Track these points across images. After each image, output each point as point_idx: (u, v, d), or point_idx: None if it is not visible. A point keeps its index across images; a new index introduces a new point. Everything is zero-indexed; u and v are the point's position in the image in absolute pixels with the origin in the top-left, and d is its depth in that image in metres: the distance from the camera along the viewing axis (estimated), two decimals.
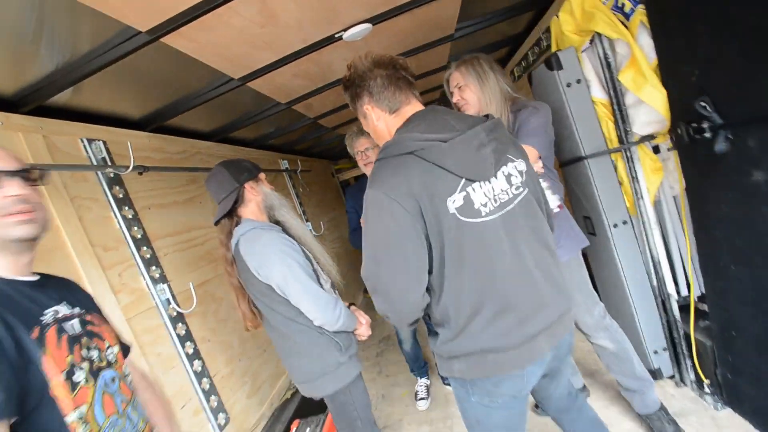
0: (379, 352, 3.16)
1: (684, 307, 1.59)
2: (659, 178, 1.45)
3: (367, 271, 0.95)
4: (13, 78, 1.21)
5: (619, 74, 1.37)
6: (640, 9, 1.29)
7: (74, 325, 0.80)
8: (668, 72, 1.26)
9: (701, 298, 1.53)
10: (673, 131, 1.30)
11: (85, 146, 1.48)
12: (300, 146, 3.86)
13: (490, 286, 0.90)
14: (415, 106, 1.01)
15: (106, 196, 1.51)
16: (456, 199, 0.87)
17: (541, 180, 1.29)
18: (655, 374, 1.65)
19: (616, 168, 1.55)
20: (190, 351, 1.64)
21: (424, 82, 3.02)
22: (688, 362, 1.57)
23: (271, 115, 2.47)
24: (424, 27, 1.93)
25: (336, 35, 1.67)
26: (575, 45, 1.46)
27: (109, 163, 1.55)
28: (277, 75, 1.88)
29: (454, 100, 1.49)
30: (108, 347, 0.86)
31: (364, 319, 1.44)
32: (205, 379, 1.68)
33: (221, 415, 1.71)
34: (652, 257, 1.55)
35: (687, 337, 1.55)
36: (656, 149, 1.49)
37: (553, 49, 1.65)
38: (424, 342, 2.48)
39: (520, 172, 0.96)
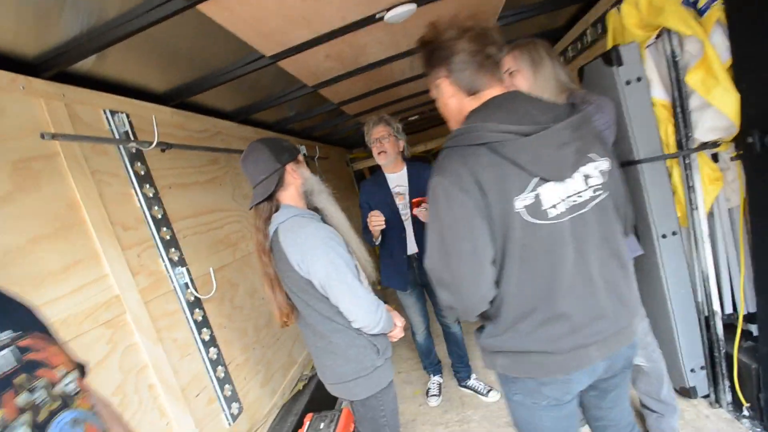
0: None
1: (727, 326, 1.51)
2: (717, 188, 1.36)
3: (433, 261, 0.88)
4: (35, 39, 1.13)
5: (687, 74, 1.27)
6: (717, 6, 1.18)
7: (7, 358, 0.55)
8: (746, 75, 1.15)
9: (747, 318, 1.45)
10: (742, 140, 1.20)
11: (107, 118, 1.40)
12: (318, 132, 3.77)
13: (546, 291, 0.84)
14: (495, 90, 0.89)
15: (128, 172, 1.43)
16: (525, 198, 0.80)
17: None
18: (690, 393, 1.58)
19: (670, 175, 1.46)
20: (207, 338, 1.59)
21: None
22: (727, 383, 1.49)
23: (295, 98, 2.38)
24: (467, 13, 1.81)
25: (377, 15, 1.57)
26: (638, 40, 1.35)
27: (132, 138, 1.47)
28: (310, 55, 1.79)
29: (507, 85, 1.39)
30: (63, 375, 0.61)
31: (399, 321, 1.36)
32: (220, 367, 1.62)
33: (234, 405, 1.66)
34: (700, 272, 1.46)
35: (728, 357, 1.47)
36: (715, 158, 1.39)
37: (610, 43, 1.54)
38: (438, 340, 2.42)
39: (602, 173, 0.87)
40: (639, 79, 1.36)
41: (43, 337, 0.64)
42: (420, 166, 2.10)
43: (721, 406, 1.54)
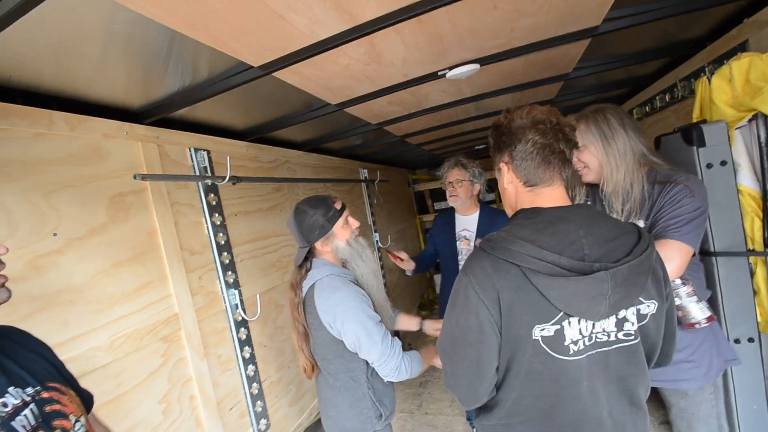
0: (422, 382, 3.07)
1: None
2: None
3: (443, 350, 0.94)
4: (140, 95, 1.36)
5: None
6: None
7: (28, 417, 0.60)
8: None
9: None
10: None
11: (191, 155, 1.62)
12: (382, 156, 3.89)
13: (549, 418, 0.83)
14: (555, 189, 0.87)
15: (202, 202, 1.64)
16: (546, 329, 0.78)
17: (683, 286, 1.10)
18: None
19: (753, 273, 1.26)
20: (247, 355, 1.74)
21: None
22: None
23: (360, 133, 2.50)
24: (538, 66, 1.76)
25: (439, 73, 1.60)
26: (727, 120, 1.20)
27: (209, 173, 1.68)
28: (373, 103, 1.88)
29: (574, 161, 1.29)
30: (75, 422, 0.68)
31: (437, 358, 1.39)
32: (255, 384, 1.76)
33: (263, 421, 1.78)
34: None
35: None
36: None
37: (696, 115, 1.38)
38: None
39: (643, 316, 0.81)
40: (724, 164, 1.20)
41: (59, 383, 0.71)
42: (493, 213, 2.12)
43: None
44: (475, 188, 2.07)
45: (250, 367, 1.74)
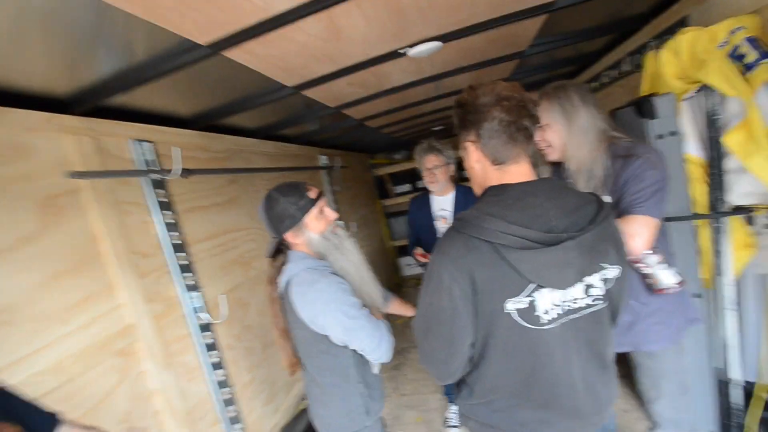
0: (396, 365, 3.10)
1: (748, 393, 1.41)
2: (747, 255, 1.27)
3: (417, 329, 0.94)
4: (67, 81, 1.18)
5: (725, 135, 1.18)
6: (766, 65, 1.09)
7: None
8: None
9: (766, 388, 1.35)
10: None
11: (133, 148, 1.45)
12: (340, 142, 3.78)
13: (524, 384, 0.87)
14: (522, 166, 0.87)
15: (149, 200, 1.48)
16: (518, 302, 0.80)
17: (653, 255, 1.14)
18: None
19: (696, 236, 1.37)
20: (215, 360, 1.63)
21: None
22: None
23: (318, 117, 2.40)
24: (496, 44, 1.76)
25: (400, 50, 1.54)
26: (675, 92, 1.27)
27: (156, 167, 1.52)
28: (332, 84, 1.79)
29: (537, 141, 1.26)
30: None
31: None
32: (225, 389, 1.67)
33: (237, 426, 1.70)
34: (722, 338, 1.37)
35: (741, 426, 1.39)
36: (749, 221, 1.29)
37: (644, 90, 1.45)
38: None
39: (606, 281, 0.84)
40: (672, 133, 1.28)
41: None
42: (468, 191, 2.16)
43: None
44: (450, 169, 2.12)
45: (219, 371, 1.64)
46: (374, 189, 5.15)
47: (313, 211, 1.23)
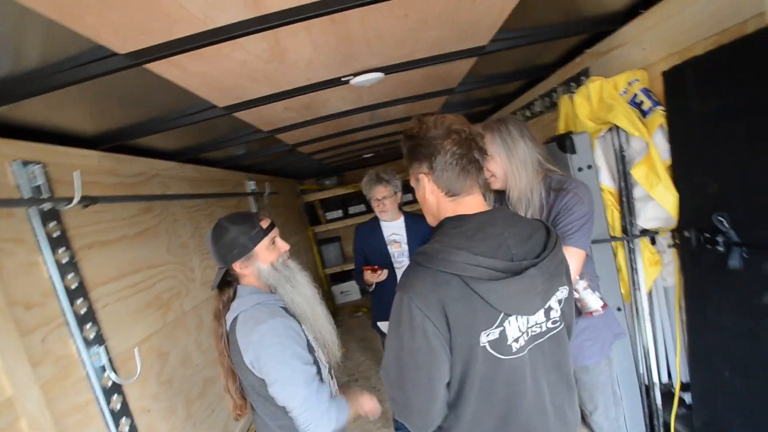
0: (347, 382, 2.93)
1: (664, 394, 1.60)
2: (656, 271, 1.47)
3: (388, 376, 0.86)
4: None
5: (632, 169, 1.38)
6: (660, 111, 1.30)
7: None
8: (683, 177, 1.28)
9: (683, 386, 1.56)
10: (680, 233, 1.31)
11: (16, 171, 1.17)
12: (269, 167, 3.60)
13: (501, 421, 0.85)
14: (475, 198, 0.89)
15: (37, 236, 1.20)
16: (490, 333, 0.80)
17: (581, 281, 1.23)
18: None
19: (615, 255, 1.55)
20: (126, 429, 1.34)
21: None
22: None
23: (247, 141, 2.24)
24: (431, 79, 1.86)
25: (343, 79, 1.53)
26: (589, 131, 1.45)
27: (46, 195, 1.24)
28: (268, 107, 1.69)
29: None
30: None
31: (367, 404, 1.31)
32: None
33: None
34: (641, 345, 1.55)
35: (666, 425, 1.56)
36: (652, 240, 1.50)
37: (561, 128, 1.64)
38: None
39: (560, 301, 0.89)
40: (590, 167, 1.45)
41: None
42: (414, 216, 2.31)
43: None
44: (398, 198, 2.23)
45: None
46: (305, 215, 4.97)
47: (265, 242, 1.21)
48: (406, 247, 2.21)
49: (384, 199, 2.13)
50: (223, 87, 1.34)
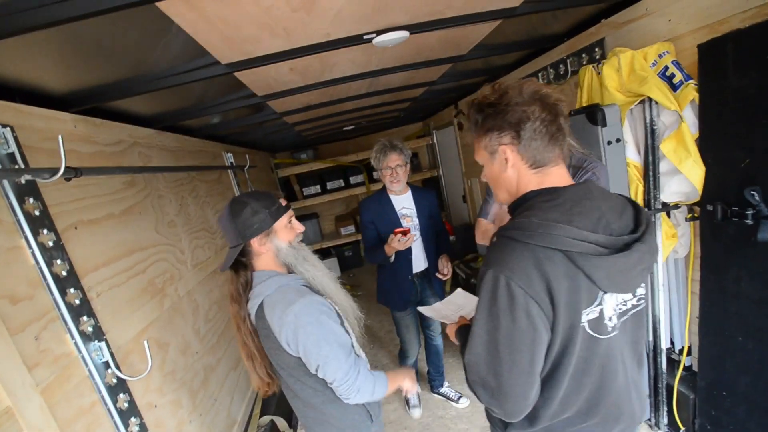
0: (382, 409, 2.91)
1: (669, 358, 1.72)
2: (672, 244, 1.52)
3: (478, 362, 0.80)
4: None
5: (661, 143, 1.38)
6: (692, 85, 1.30)
7: None
8: (713, 152, 1.30)
9: (681, 352, 1.67)
10: (703, 207, 1.36)
11: None
12: (244, 138, 3.32)
13: (591, 403, 0.83)
14: (561, 169, 0.83)
15: (14, 215, 0.98)
16: (590, 312, 0.76)
17: None
18: None
19: None
20: (136, 429, 1.19)
21: (406, 93, 2.83)
22: (665, 408, 1.70)
23: (235, 108, 2.02)
24: (447, 43, 1.74)
25: (365, 37, 1.38)
26: (619, 103, 1.43)
27: (21, 164, 1.02)
28: (273, 67, 1.51)
29: None
30: None
31: (407, 381, 1.31)
32: None
33: None
34: (653, 315, 1.63)
35: (668, 387, 1.68)
36: (668, 215, 1.55)
37: (584, 100, 1.61)
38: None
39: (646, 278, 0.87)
40: (618, 141, 1.44)
41: None
42: (419, 189, 2.21)
43: (659, 429, 1.76)
44: (408, 168, 2.10)
45: None
46: (280, 191, 4.72)
47: (284, 219, 1.17)
48: (417, 221, 2.12)
49: (397, 167, 2.01)
50: (236, 39, 1.15)
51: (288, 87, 1.89)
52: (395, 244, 1.88)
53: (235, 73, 1.46)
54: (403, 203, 2.13)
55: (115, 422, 1.13)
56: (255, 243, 1.12)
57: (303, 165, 4.74)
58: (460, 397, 2.42)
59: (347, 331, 1.18)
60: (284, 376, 1.15)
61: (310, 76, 1.80)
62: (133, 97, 1.44)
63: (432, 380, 2.51)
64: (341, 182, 4.81)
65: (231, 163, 2.95)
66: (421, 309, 1.40)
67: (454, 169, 4.60)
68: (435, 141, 5.01)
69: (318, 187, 4.79)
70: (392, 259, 2.04)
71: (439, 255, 2.13)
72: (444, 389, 2.48)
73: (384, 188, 2.14)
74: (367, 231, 2.12)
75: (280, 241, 1.15)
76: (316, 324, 1.06)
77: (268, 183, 4.30)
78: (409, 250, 2.08)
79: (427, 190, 2.23)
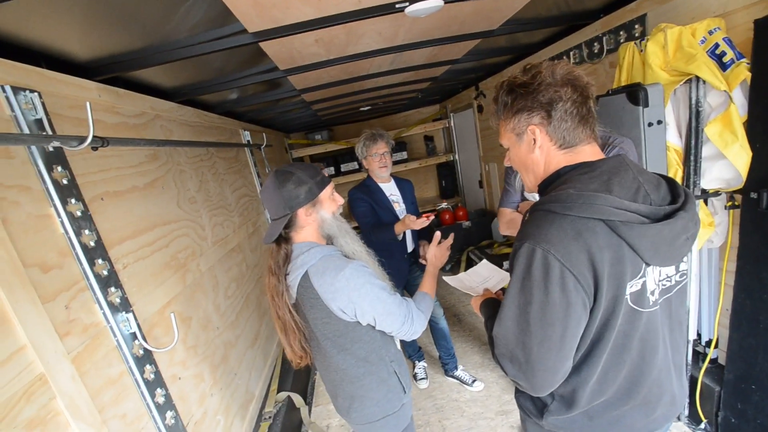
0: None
1: (694, 350, 1.68)
2: (708, 232, 1.46)
3: (506, 334, 0.79)
4: None
5: (706, 126, 1.31)
6: (744, 64, 1.22)
7: None
8: (762, 137, 1.23)
9: (708, 344, 1.63)
10: (746, 195, 1.29)
11: (9, 100, 0.91)
12: (260, 117, 3.28)
13: (632, 382, 0.81)
14: (593, 147, 0.81)
15: (44, 182, 0.97)
16: (634, 285, 0.73)
17: None
18: None
19: None
20: (162, 401, 1.21)
21: (428, 72, 2.74)
22: (687, 401, 1.68)
23: (256, 83, 1.97)
24: (479, 15, 1.66)
25: (398, 5, 1.31)
26: (663, 82, 1.35)
27: (49, 130, 1.00)
28: (298, 38, 1.45)
29: None
30: None
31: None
32: None
33: None
34: (685, 305, 1.59)
35: (692, 379, 1.65)
36: (705, 202, 1.49)
37: (623, 79, 1.53)
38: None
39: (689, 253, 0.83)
40: (659, 122, 1.37)
41: None
42: (399, 178, 2.35)
43: (679, 420, 1.74)
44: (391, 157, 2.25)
45: (169, 414, 1.23)
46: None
47: (328, 189, 1.17)
48: (403, 206, 2.24)
49: (385, 153, 2.14)
50: (265, 3, 1.10)
51: (311, 61, 1.83)
52: (415, 225, 1.91)
53: (261, 43, 1.41)
54: (391, 190, 2.25)
55: (142, 392, 1.14)
56: (302, 213, 1.11)
57: (317, 146, 4.69)
58: (474, 381, 2.43)
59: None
60: (328, 347, 1.15)
61: (335, 50, 1.74)
62: (155, 68, 1.41)
63: (445, 363, 2.53)
64: (355, 164, 4.76)
65: (248, 141, 2.92)
66: (446, 278, 1.38)
67: (472, 154, 4.52)
68: (452, 124, 4.91)
69: (332, 168, 4.75)
70: (400, 237, 2.13)
71: (420, 240, 2.24)
72: (459, 372, 2.50)
73: (369, 178, 2.24)
74: (363, 208, 2.15)
75: (325, 212, 1.15)
76: (369, 285, 1.08)
77: (281, 163, 4.27)
78: (403, 238, 2.21)
79: (404, 180, 2.36)
